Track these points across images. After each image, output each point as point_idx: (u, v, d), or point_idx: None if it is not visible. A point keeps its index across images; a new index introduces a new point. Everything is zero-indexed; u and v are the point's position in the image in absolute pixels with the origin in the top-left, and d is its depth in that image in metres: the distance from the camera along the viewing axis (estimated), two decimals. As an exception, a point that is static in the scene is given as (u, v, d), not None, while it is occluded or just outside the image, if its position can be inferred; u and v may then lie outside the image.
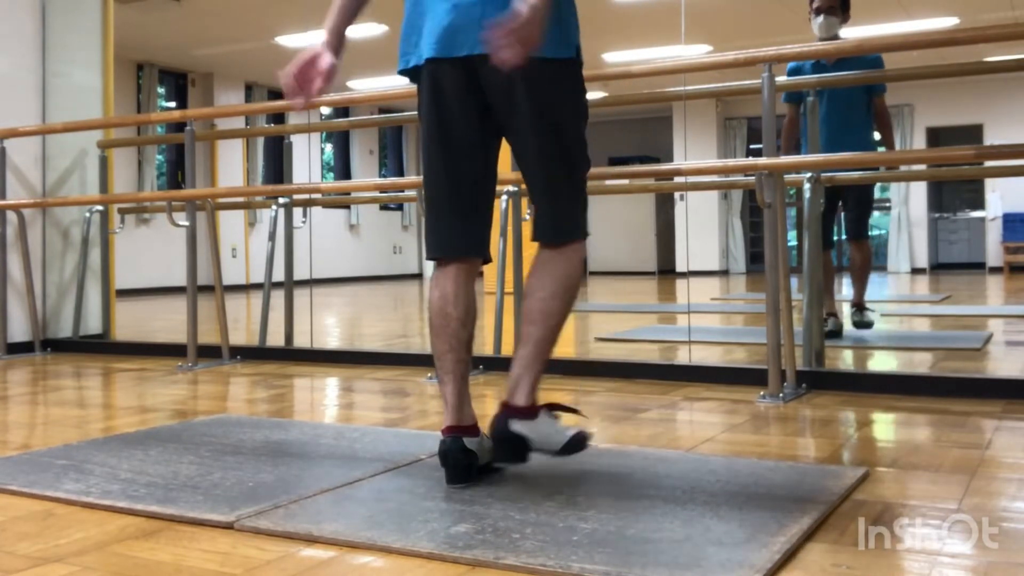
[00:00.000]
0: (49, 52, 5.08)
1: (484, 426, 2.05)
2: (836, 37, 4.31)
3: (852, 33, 4.52)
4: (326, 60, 2.06)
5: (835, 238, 4.75)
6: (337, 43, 2.10)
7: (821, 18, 4.30)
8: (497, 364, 3.79)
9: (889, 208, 12.27)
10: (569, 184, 2.06)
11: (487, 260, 2.14)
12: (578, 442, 2.03)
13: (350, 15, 2.12)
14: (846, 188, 4.48)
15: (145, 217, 9.80)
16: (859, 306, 4.65)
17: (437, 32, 1.98)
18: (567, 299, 2.03)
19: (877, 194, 4.69)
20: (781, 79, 3.45)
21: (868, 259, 4.72)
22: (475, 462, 2.00)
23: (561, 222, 2.05)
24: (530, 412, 1.98)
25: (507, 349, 3.82)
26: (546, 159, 2.03)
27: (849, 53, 4.21)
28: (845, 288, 5.34)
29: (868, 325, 4.61)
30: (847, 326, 4.69)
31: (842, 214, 4.72)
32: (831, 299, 4.65)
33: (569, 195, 2.06)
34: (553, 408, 2.04)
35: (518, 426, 1.96)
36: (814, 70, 4.36)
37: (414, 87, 2.12)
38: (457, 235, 2.07)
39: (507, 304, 3.97)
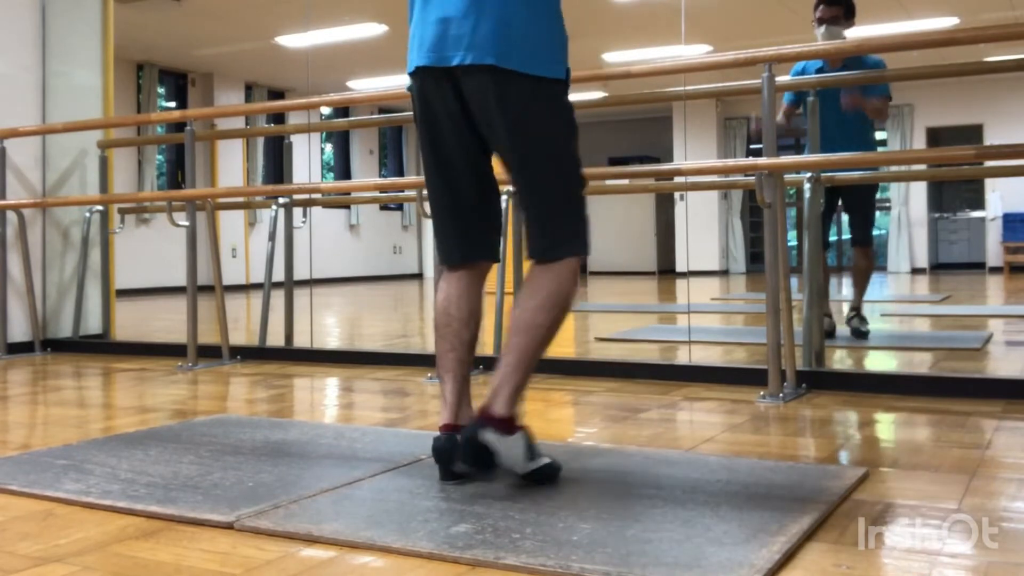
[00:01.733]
0: (49, 52, 5.08)
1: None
2: None
3: (852, 33, 4.52)
4: None
5: (832, 239, 4.74)
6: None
7: (823, 29, 4.30)
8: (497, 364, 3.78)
9: (889, 208, 12.26)
10: (556, 200, 2.03)
11: (496, 260, 2.16)
12: (547, 475, 1.98)
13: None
14: (847, 191, 4.48)
15: (145, 217, 9.80)
16: (858, 311, 4.65)
17: (426, 42, 2.01)
18: (555, 313, 1.99)
19: (877, 194, 4.68)
20: (782, 79, 3.45)
21: (871, 265, 4.72)
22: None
23: (549, 239, 2.02)
24: (505, 426, 1.94)
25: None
26: (530, 175, 2.02)
27: (849, 53, 4.21)
28: (845, 288, 5.34)
29: (864, 334, 4.59)
30: (840, 328, 4.68)
31: (842, 215, 4.71)
32: (825, 299, 4.65)
33: (558, 212, 2.03)
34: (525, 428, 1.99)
35: (489, 436, 1.93)
36: (817, 72, 4.37)
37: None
38: (460, 245, 2.12)
39: (507, 304, 3.96)
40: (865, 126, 4.50)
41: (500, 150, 2.05)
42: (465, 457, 1.96)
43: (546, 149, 2.01)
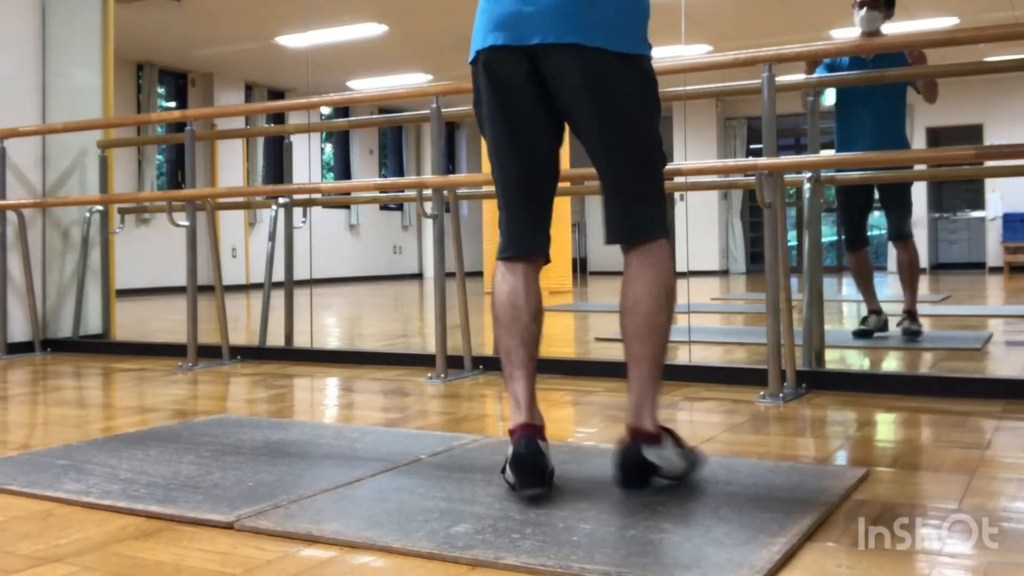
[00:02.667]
0: (49, 52, 5.08)
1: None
2: (878, 32, 4.30)
3: (853, 33, 4.53)
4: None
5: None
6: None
7: (864, 11, 4.28)
8: (497, 364, 3.78)
9: (889, 208, 12.26)
10: (642, 178, 1.94)
11: (548, 260, 2.05)
12: (698, 464, 1.98)
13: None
14: (884, 189, 4.46)
15: (145, 217, 9.81)
16: (911, 313, 4.54)
17: (502, 19, 1.91)
18: (670, 308, 1.92)
19: (877, 194, 4.67)
20: (783, 78, 3.45)
21: (915, 258, 4.58)
22: (548, 464, 1.87)
23: (635, 218, 1.92)
24: (658, 438, 1.90)
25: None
26: (622, 155, 1.93)
27: (849, 53, 4.22)
28: (846, 288, 5.34)
29: (917, 334, 4.50)
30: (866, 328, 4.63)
31: (875, 213, 4.60)
32: (872, 297, 4.62)
33: (643, 190, 1.93)
34: (667, 431, 1.96)
35: (650, 453, 1.87)
36: (852, 66, 4.35)
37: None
38: (527, 237, 2.00)
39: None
40: (903, 121, 4.47)
41: (585, 131, 1.94)
42: (632, 483, 1.88)
43: (636, 128, 1.92)
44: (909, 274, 4.57)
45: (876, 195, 4.58)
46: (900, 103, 4.46)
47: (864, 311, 4.77)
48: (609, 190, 1.95)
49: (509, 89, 1.94)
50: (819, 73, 4.36)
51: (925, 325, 5.05)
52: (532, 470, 1.84)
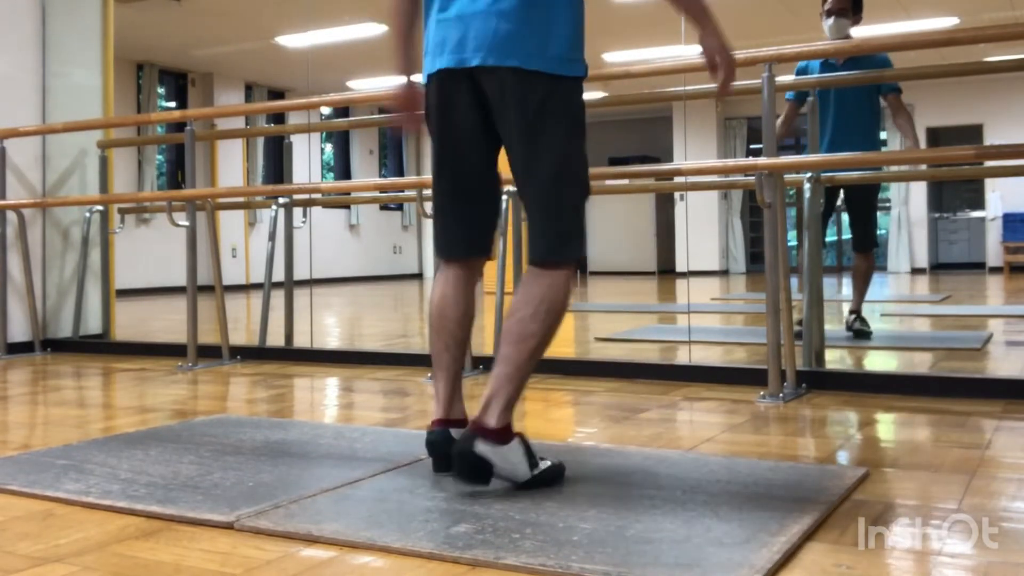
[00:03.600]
0: (49, 52, 5.08)
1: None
2: (847, 38, 4.31)
3: (855, 33, 4.52)
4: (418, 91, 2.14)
5: (832, 239, 4.75)
6: (412, 69, 2.15)
7: (832, 20, 4.31)
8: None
9: (889, 208, 12.27)
10: (564, 204, 2.01)
11: (490, 257, 2.19)
12: (551, 478, 1.97)
13: (409, 37, 2.16)
14: (848, 192, 4.47)
15: (145, 217, 9.80)
16: (857, 313, 4.64)
17: (448, 44, 2.01)
18: (547, 323, 1.97)
19: (879, 195, 4.68)
20: (783, 78, 3.45)
21: (871, 267, 4.70)
22: (463, 449, 1.97)
23: (551, 242, 2.00)
24: (500, 436, 1.91)
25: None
26: (539, 176, 2.00)
27: (849, 53, 4.21)
28: (846, 288, 5.34)
29: (866, 335, 4.59)
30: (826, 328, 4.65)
31: (841, 215, 4.69)
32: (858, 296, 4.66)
33: (562, 216, 2.01)
34: (521, 437, 1.97)
35: (483, 448, 1.89)
36: (822, 70, 4.37)
37: None
38: (464, 239, 2.14)
39: (507, 304, 3.96)
40: (872, 124, 4.49)
41: (511, 148, 2.03)
42: (461, 472, 1.92)
43: (557, 150, 1.99)
44: (864, 281, 4.67)
45: (839, 200, 4.59)
46: (868, 106, 4.45)
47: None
48: (529, 211, 2.04)
49: (454, 108, 2.05)
50: (795, 75, 4.40)
51: (925, 325, 5.06)
52: (442, 455, 2.04)
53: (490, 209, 2.18)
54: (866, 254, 4.63)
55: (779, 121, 4.53)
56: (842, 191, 4.51)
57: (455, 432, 2.03)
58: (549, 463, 1.99)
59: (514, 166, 2.05)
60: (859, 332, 4.59)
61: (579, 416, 3.04)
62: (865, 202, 4.55)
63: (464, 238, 2.15)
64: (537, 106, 1.96)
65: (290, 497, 1.90)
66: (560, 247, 2.00)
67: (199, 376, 3.98)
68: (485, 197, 2.15)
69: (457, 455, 1.93)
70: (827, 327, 3.72)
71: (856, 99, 4.41)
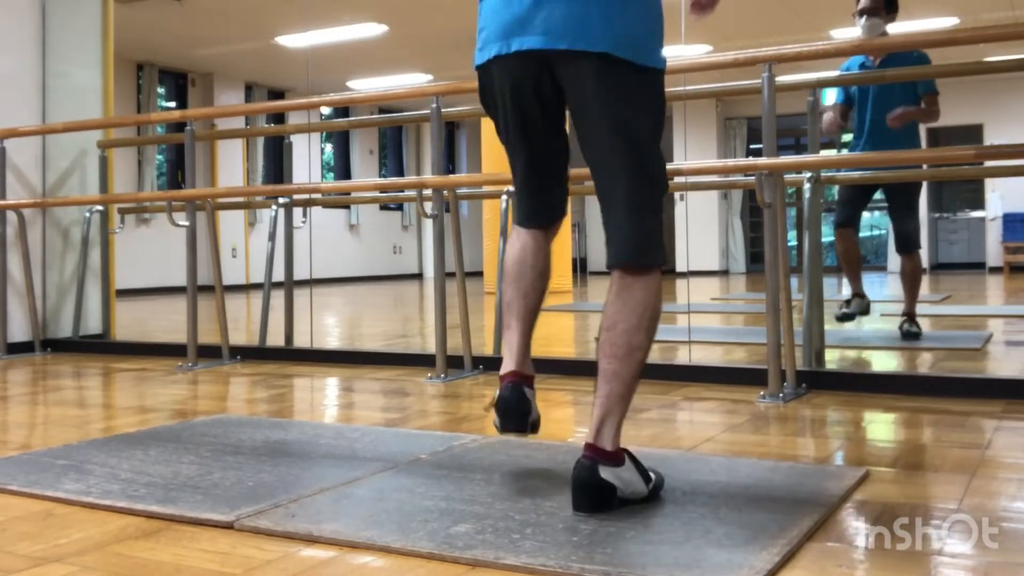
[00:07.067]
0: (49, 52, 5.08)
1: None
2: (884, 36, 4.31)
3: (854, 33, 4.53)
4: None
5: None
6: None
7: (864, 19, 4.30)
8: (497, 364, 3.78)
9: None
10: (649, 204, 1.86)
11: (563, 216, 2.12)
12: (660, 487, 1.91)
13: None
14: (889, 194, 4.47)
15: (145, 217, 9.81)
16: (910, 316, 4.60)
17: (518, 24, 1.87)
18: (652, 332, 1.84)
19: (877, 195, 4.68)
20: (782, 79, 3.45)
21: (919, 268, 4.66)
22: (532, 411, 1.96)
23: (639, 244, 1.84)
24: (617, 457, 1.81)
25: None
26: (619, 171, 1.85)
27: (849, 53, 4.22)
28: (845, 289, 5.32)
29: (916, 336, 4.55)
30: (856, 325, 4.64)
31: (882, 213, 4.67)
32: (857, 280, 4.65)
33: (647, 216, 1.86)
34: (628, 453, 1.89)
35: (607, 473, 1.78)
36: (861, 70, 4.37)
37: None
38: (532, 210, 2.07)
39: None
40: (912, 124, 4.49)
41: (589, 140, 1.88)
42: (584, 503, 1.78)
43: (642, 147, 1.85)
44: (911, 282, 4.63)
45: (880, 195, 4.59)
46: (908, 104, 4.45)
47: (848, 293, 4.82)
48: (614, 209, 1.88)
49: (524, 92, 1.92)
50: (837, 94, 4.40)
51: (925, 325, 5.05)
52: (514, 413, 1.94)
53: (565, 177, 2.10)
54: (910, 255, 4.58)
55: (826, 118, 4.52)
56: (883, 192, 4.51)
57: (527, 391, 1.95)
58: (654, 474, 1.91)
59: (592, 159, 1.89)
60: (907, 333, 4.55)
61: (579, 416, 3.04)
62: (907, 203, 4.51)
63: (545, 206, 2.07)
64: (625, 98, 1.83)
65: (290, 497, 1.90)
66: (650, 248, 1.85)
67: (199, 376, 3.98)
68: (560, 170, 2.08)
69: (580, 486, 1.79)
70: (827, 327, 3.71)
71: (896, 99, 4.39)
